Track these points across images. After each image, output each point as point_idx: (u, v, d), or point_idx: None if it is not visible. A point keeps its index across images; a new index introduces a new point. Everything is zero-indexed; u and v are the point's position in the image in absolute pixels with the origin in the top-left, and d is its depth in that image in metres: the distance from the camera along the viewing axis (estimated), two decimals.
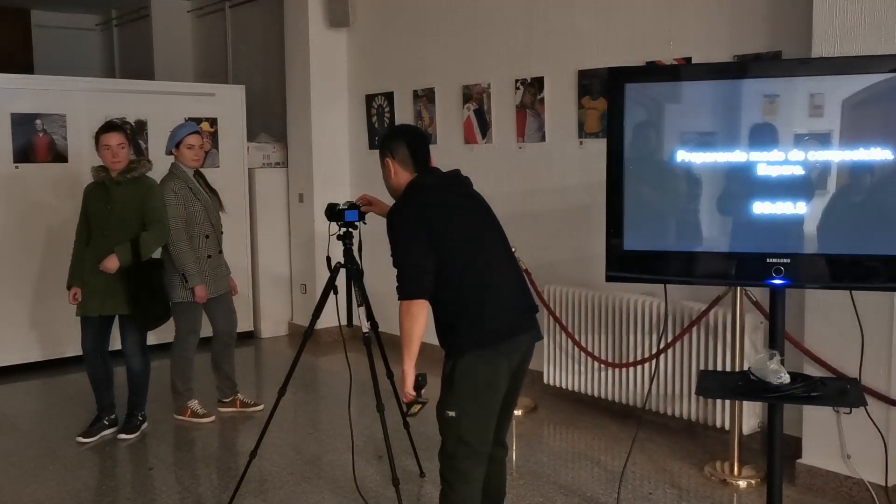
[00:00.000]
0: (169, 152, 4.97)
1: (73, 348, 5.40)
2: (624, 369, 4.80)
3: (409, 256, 2.89)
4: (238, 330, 5.30)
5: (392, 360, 3.56)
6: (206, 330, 5.11)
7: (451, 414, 2.91)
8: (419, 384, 2.91)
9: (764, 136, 2.98)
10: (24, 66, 8.70)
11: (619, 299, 4.81)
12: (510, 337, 2.95)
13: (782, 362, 2.92)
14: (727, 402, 4.26)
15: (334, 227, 3.75)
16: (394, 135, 3.20)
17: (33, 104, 6.16)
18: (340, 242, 3.75)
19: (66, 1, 9.53)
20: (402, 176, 3.07)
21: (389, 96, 6.67)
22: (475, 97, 5.93)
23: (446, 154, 5.64)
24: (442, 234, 2.91)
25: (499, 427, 3.07)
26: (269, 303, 7.33)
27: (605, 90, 4.86)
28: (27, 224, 6.19)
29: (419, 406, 2.95)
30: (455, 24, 6.08)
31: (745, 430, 4.22)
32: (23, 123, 6.11)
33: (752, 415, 4.32)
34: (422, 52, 6.36)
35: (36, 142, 6.18)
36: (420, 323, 2.86)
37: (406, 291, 2.87)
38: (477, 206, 3.12)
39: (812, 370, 3.71)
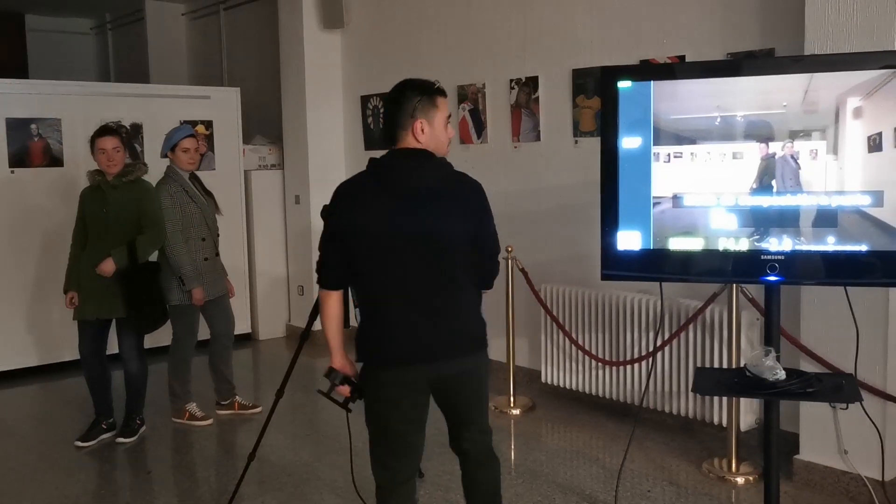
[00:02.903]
0: (164, 155, 4.97)
1: (71, 352, 5.39)
2: (621, 367, 4.81)
3: (322, 246, 2.73)
4: (235, 332, 5.30)
5: None
6: (204, 332, 5.11)
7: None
8: (330, 376, 2.77)
9: (758, 132, 2.99)
10: (18, 70, 8.70)
11: (615, 297, 4.82)
12: (406, 364, 2.65)
13: (778, 359, 2.93)
14: (724, 398, 4.27)
15: None
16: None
17: (28, 109, 6.16)
18: None
19: (61, 5, 9.52)
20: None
21: (385, 97, 6.66)
22: (470, 97, 5.94)
23: None
24: (348, 237, 2.64)
25: (459, 429, 2.83)
26: (266, 305, 7.33)
27: (600, 89, 4.85)
28: (23, 229, 6.19)
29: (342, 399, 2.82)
30: (449, 24, 6.08)
31: (743, 427, 4.23)
32: (18, 128, 6.11)
33: (749, 411, 4.33)
34: (416, 52, 6.36)
35: (31, 146, 6.18)
36: (327, 312, 2.71)
37: (319, 279, 2.74)
38: (421, 210, 2.61)
39: (808, 366, 3.72)
